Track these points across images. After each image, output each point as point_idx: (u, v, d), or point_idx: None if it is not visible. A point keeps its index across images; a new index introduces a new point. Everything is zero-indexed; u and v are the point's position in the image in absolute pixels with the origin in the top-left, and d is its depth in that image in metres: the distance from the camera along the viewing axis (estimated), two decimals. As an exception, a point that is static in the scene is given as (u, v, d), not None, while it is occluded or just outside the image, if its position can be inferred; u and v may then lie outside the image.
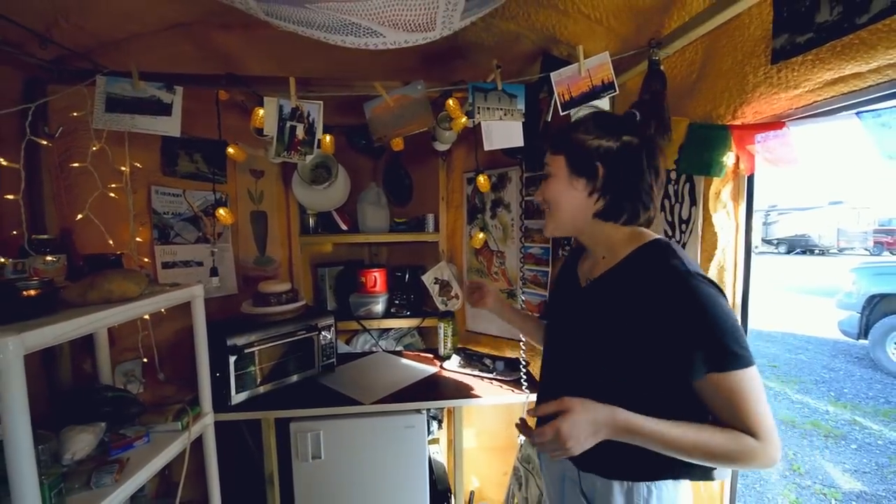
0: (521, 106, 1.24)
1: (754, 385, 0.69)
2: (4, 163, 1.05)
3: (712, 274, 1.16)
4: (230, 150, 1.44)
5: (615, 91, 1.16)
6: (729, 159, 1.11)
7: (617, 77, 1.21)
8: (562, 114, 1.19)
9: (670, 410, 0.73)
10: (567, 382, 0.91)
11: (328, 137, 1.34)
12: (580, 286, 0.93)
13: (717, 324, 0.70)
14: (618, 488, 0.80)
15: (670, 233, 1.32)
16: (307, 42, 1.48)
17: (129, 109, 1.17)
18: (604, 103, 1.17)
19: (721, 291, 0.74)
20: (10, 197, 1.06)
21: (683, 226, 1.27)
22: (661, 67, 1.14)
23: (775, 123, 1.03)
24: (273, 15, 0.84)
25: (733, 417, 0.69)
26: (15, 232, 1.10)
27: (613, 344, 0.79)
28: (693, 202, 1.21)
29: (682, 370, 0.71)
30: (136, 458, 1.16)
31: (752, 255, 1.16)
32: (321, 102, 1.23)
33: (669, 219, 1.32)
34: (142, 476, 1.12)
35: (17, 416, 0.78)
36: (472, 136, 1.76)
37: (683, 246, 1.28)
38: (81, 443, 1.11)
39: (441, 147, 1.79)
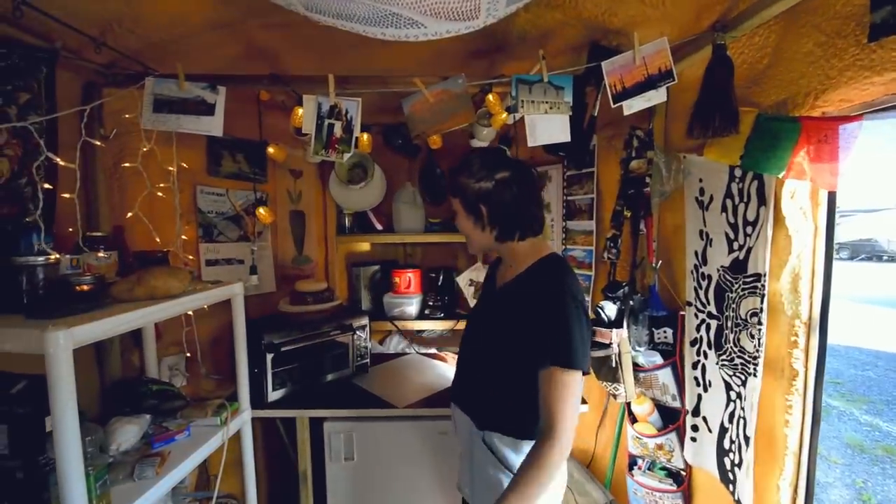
0: (569, 98, 1.16)
1: (571, 385, 0.88)
2: (62, 163, 1.10)
3: (785, 282, 1.04)
4: (270, 149, 1.45)
5: (674, 80, 1.06)
6: (801, 156, 0.99)
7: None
8: (613, 106, 1.11)
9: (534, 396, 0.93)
10: (468, 370, 1.14)
11: (365, 136, 1.32)
12: (495, 288, 1.14)
13: (561, 331, 0.90)
14: (508, 441, 0.99)
15: (732, 236, 1.20)
16: (348, 41, 1.46)
17: (175, 110, 1.20)
18: (661, 94, 1.07)
19: (582, 310, 0.93)
20: (67, 195, 1.11)
21: (749, 228, 1.15)
22: (728, 53, 1.03)
23: (852, 117, 0.90)
24: (312, 8, 0.82)
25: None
26: (71, 229, 1.15)
27: (503, 339, 1.00)
28: (762, 202, 1.09)
29: (534, 361, 0.92)
30: (176, 451, 1.18)
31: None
32: (359, 99, 1.21)
33: (732, 220, 1.20)
34: (182, 470, 1.13)
35: (65, 408, 0.80)
36: (511, 132, 1.70)
37: (748, 251, 1.16)
38: (127, 434, 1.15)
39: (478, 145, 1.73)
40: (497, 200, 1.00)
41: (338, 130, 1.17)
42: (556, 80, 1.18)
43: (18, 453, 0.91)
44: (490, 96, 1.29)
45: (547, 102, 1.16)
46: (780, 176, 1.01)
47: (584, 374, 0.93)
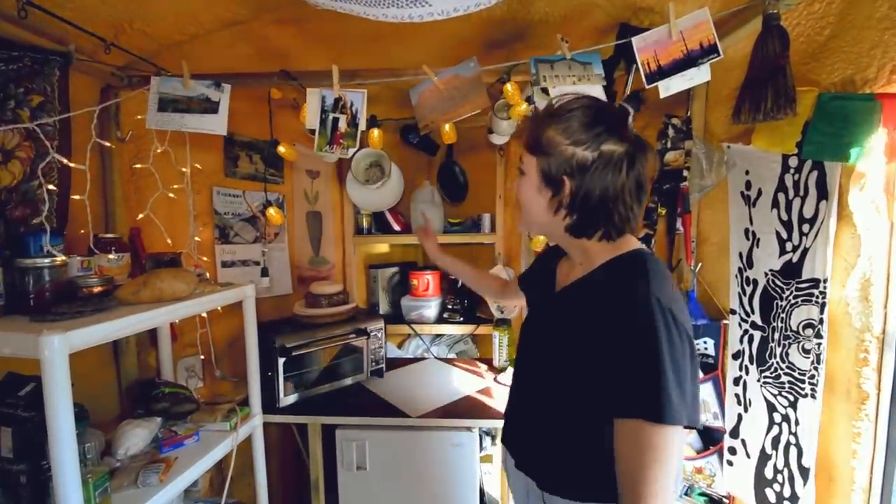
0: (599, 70, 1.03)
1: (663, 447, 0.61)
2: (72, 165, 1.10)
3: (852, 289, 0.89)
4: (281, 148, 1.42)
5: (719, 55, 0.93)
6: (877, 140, 0.84)
7: (716, 43, 0.97)
8: (647, 87, 0.99)
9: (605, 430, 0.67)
10: (521, 404, 0.90)
11: (376, 132, 1.26)
12: (554, 289, 0.88)
13: (648, 365, 0.62)
14: None
15: (784, 235, 1.06)
16: (360, 35, 1.40)
17: (179, 109, 1.18)
18: (703, 72, 0.94)
19: (684, 334, 0.64)
20: (76, 197, 1.11)
21: (805, 226, 1.00)
22: (781, 23, 0.89)
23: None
24: (308, -9, 0.76)
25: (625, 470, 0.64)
26: (83, 231, 1.15)
27: (563, 366, 0.76)
28: (822, 195, 0.94)
29: (609, 401, 0.66)
30: (184, 457, 1.15)
31: None
32: (365, 91, 1.15)
33: (784, 217, 1.05)
34: (187, 477, 1.11)
35: (60, 414, 0.77)
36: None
37: (804, 252, 1.01)
38: (136, 438, 1.13)
39: (498, 140, 1.64)
40: (593, 180, 0.71)
41: (342, 125, 1.12)
42: (582, 58, 1.06)
43: (23, 457, 0.90)
44: (508, 86, 1.20)
45: (574, 76, 1.02)
46: (855, 164, 0.86)
47: (687, 427, 0.64)
